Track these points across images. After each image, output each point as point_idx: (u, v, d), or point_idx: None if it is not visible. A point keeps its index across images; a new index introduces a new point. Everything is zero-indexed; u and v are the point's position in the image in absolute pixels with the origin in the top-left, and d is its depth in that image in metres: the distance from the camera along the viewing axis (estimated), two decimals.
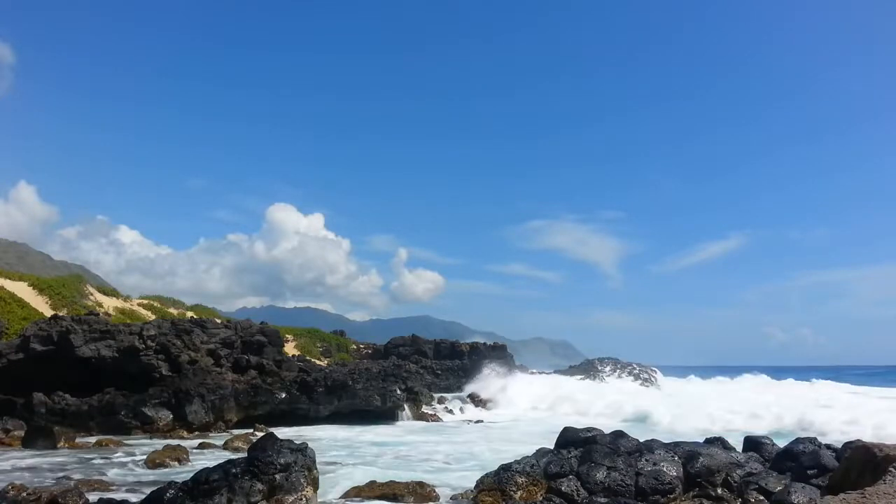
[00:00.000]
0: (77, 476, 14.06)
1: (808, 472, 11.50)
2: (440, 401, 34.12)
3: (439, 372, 53.16)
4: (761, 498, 10.99)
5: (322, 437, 22.31)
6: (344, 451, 18.93)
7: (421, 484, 12.40)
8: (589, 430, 13.23)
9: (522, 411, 34.45)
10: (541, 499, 11.21)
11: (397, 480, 12.68)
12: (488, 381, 37.87)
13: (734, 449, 13.50)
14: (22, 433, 20.11)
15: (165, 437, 21.44)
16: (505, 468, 11.97)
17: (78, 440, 20.38)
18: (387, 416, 27.80)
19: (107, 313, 35.32)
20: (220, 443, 19.75)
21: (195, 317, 33.87)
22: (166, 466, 15.62)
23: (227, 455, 16.87)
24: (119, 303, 42.13)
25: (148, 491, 10.53)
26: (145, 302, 44.53)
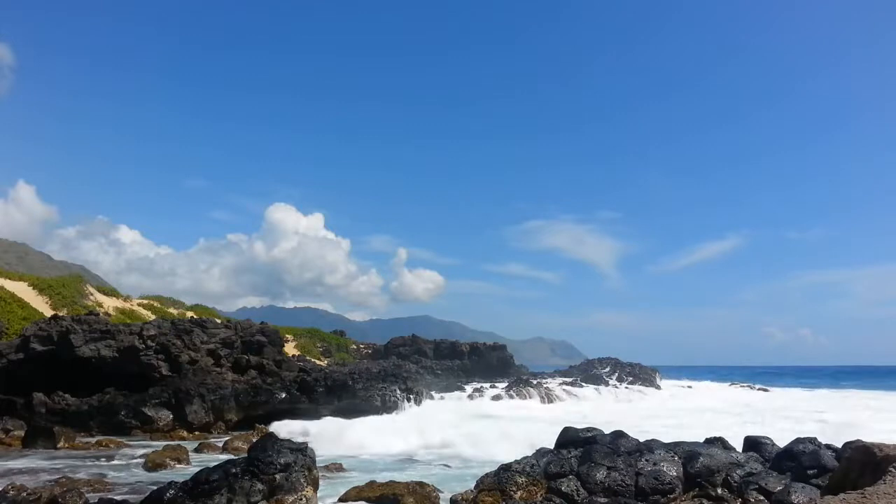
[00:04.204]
0: (77, 476, 14.06)
1: (808, 472, 11.49)
2: None
3: (439, 372, 53.19)
4: (761, 498, 10.98)
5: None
6: (344, 452, 18.91)
7: (421, 484, 12.39)
8: (589, 430, 13.24)
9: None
10: (541, 499, 11.20)
11: (397, 481, 12.68)
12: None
13: (734, 449, 13.49)
14: (22, 433, 20.11)
15: (165, 438, 21.45)
16: (505, 468, 11.97)
17: (78, 440, 20.36)
18: (386, 416, 27.73)
19: (107, 313, 35.32)
20: (220, 443, 19.74)
21: (195, 317, 33.86)
22: (166, 467, 15.62)
23: (227, 455, 16.88)
24: (119, 303, 42.12)
25: (148, 491, 10.54)
26: (145, 302, 44.53)
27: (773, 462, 12.47)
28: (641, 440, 12.95)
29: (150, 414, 22.89)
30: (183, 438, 21.52)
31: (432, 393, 37.50)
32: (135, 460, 16.83)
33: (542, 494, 11.39)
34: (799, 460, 11.87)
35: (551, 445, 13.12)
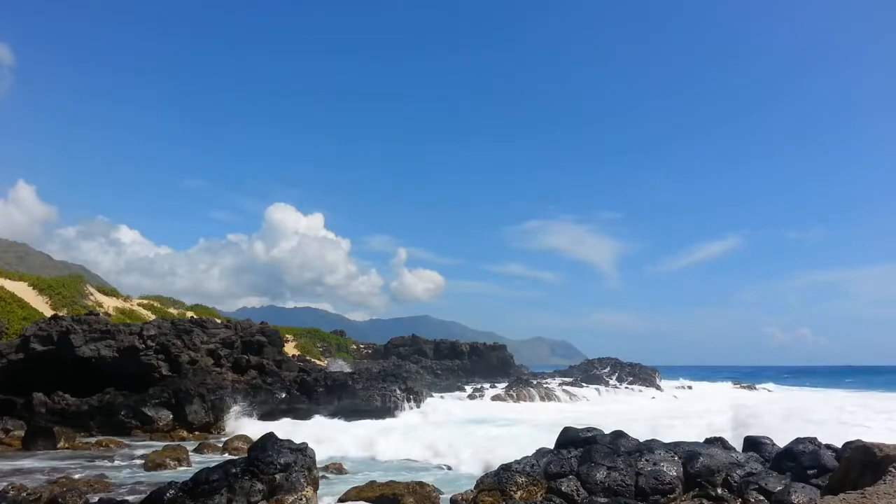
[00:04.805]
0: (77, 476, 14.06)
1: (808, 472, 11.48)
2: None
3: (439, 372, 53.26)
4: (761, 498, 10.97)
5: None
6: (344, 452, 18.90)
7: (421, 484, 12.38)
8: (589, 429, 13.22)
9: None
10: (541, 499, 11.19)
11: (397, 481, 12.68)
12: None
13: (734, 449, 13.47)
14: (22, 433, 20.09)
15: (165, 438, 21.45)
16: (505, 468, 11.96)
17: (78, 440, 20.36)
18: (387, 416, 27.73)
19: (107, 313, 35.31)
20: (220, 443, 19.73)
21: (195, 317, 33.86)
22: (166, 467, 15.61)
23: (227, 455, 16.87)
24: (119, 303, 42.12)
25: (148, 491, 10.53)
26: (145, 302, 44.53)
27: (773, 462, 12.47)
28: (641, 440, 12.94)
29: (150, 414, 22.88)
30: (183, 438, 21.52)
31: (432, 393, 37.48)
32: (135, 460, 16.82)
33: (542, 494, 11.38)
34: (799, 460, 11.86)
35: (551, 445, 13.12)
